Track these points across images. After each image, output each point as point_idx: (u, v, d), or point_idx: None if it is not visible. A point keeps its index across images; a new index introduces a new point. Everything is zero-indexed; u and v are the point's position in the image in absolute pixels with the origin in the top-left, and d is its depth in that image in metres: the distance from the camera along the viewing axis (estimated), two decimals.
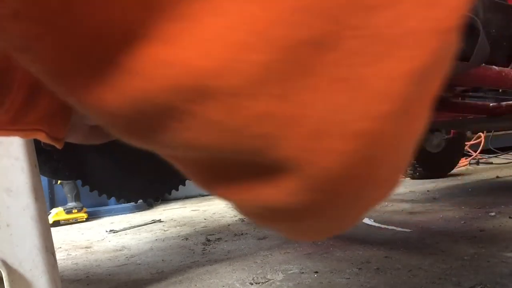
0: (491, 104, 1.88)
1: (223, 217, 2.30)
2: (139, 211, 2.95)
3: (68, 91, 0.16)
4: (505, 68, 1.16)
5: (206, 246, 1.59)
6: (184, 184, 1.47)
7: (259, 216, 0.19)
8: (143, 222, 2.35)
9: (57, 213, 2.62)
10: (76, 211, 2.67)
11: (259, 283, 1.07)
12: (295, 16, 0.13)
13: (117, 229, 2.20)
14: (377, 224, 1.66)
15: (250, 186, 0.17)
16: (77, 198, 2.70)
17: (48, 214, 2.36)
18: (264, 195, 0.17)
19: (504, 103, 1.86)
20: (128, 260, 1.50)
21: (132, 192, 1.36)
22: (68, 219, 2.64)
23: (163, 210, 2.95)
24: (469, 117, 1.99)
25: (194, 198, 3.55)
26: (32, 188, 0.87)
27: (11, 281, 0.83)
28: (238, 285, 1.09)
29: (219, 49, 0.13)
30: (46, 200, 1.73)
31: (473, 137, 3.91)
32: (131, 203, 2.31)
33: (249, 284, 1.08)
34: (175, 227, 2.13)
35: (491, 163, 3.91)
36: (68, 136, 0.55)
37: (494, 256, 1.10)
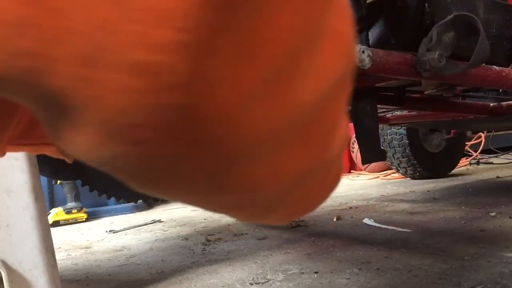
0: (491, 104, 1.88)
1: (223, 217, 2.30)
2: (139, 211, 2.95)
3: None
4: (505, 68, 1.16)
5: (206, 246, 1.59)
6: None
7: (102, 166, 0.16)
8: (143, 222, 2.35)
9: (57, 213, 2.62)
10: (76, 211, 2.67)
11: (259, 283, 1.07)
12: None
13: (117, 229, 2.20)
14: (377, 224, 1.66)
15: (65, 134, 0.14)
16: (77, 198, 2.70)
17: (48, 214, 2.36)
18: (78, 144, 0.14)
19: (504, 103, 1.86)
20: (128, 260, 1.50)
21: (132, 192, 1.36)
22: (68, 219, 2.64)
23: (163, 210, 2.95)
24: (469, 117, 1.99)
25: None
26: (32, 188, 0.87)
27: (11, 281, 0.83)
28: (238, 285, 1.09)
29: None
30: (46, 200, 1.73)
31: (473, 137, 3.91)
32: (131, 203, 2.31)
33: (249, 284, 1.08)
34: (175, 227, 2.13)
35: (491, 163, 3.91)
36: None
37: (494, 256, 1.10)
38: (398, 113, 2.22)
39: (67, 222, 2.64)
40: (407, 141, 2.88)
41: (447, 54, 0.95)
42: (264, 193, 0.19)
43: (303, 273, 1.13)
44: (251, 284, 1.08)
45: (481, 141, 3.92)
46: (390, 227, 1.58)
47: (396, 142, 2.91)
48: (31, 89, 0.13)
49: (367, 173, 4.08)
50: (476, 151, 3.90)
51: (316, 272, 1.12)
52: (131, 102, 0.12)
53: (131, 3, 0.12)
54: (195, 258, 1.41)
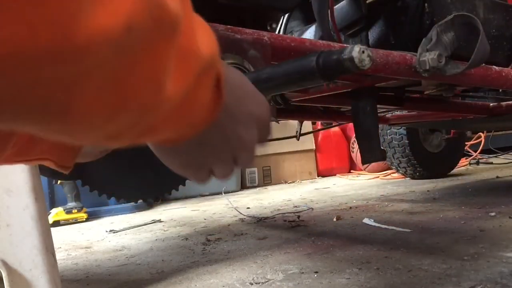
0: (491, 104, 1.88)
1: (223, 217, 2.30)
2: (139, 211, 2.95)
3: None
4: (505, 68, 1.16)
5: (206, 246, 1.59)
6: (184, 184, 1.47)
7: None
8: (143, 222, 2.35)
9: (57, 213, 2.62)
10: (76, 211, 2.67)
11: (259, 283, 1.08)
12: None
13: (117, 229, 2.20)
14: (377, 224, 1.66)
15: None
16: (77, 198, 2.70)
17: (48, 214, 2.36)
18: None
19: (504, 103, 1.87)
20: (128, 260, 1.50)
21: (132, 192, 1.36)
22: (68, 219, 2.64)
23: (163, 210, 2.95)
24: (469, 117, 1.99)
25: (194, 198, 3.55)
26: (32, 188, 0.87)
27: (11, 281, 0.83)
28: (238, 285, 1.09)
29: None
30: (46, 200, 1.73)
31: (473, 137, 3.91)
32: (131, 203, 2.31)
33: (249, 284, 1.08)
34: (175, 227, 2.13)
35: (491, 163, 3.91)
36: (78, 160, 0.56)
37: (494, 256, 1.10)
38: (398, 113, 2.23)
39: (67, 222, 2.64)
40: (407, 141, 2.88)
41: (447, 54, 0.95)
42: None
43: (303, 273, 1.13)
44: (251, 284, 1.08)
45: (481, 141, 3.92)
46: (390, 227, 1.58)
47: (396, 142, 2.91)
48: None
49: (367, 173, 4.08)
50: (476, 151, 3.90)
51: (316, 272, 1.12)
52: None
53: None
54: (195, 258, 1.41)
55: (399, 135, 2.90)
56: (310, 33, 1.29)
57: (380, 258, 1.19)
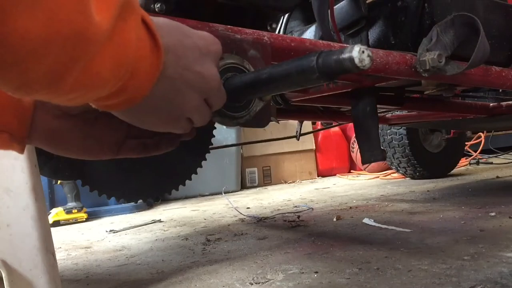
0: (491, 104, 1.88)
1: (223, 217, 2.30)
2: (139, 211, 2.95)
3: None
4: (505, 68, 1.16)
5: (206, 246, 1.59)
6: (184, 184, 1.47)
7: None
8: (143, 222, 2.35)
9: (57, 213, 2.62)
10: (76, 211, 2.67)
11: (259, 283, 1.08)
12: None
13: (117, 229, 2.20)
14: (377, 224, 1.66)
15: None
16: (77, 198, 2.70)
17: (48, 214, 2.36)
18: None
19: (504, 103, 1.87)
20: (128, 260, 1.50)
21: (132, 192, 1.36)
22: (68, 219, 2.64)
23: (163, 210, 2.95)
24: (469, 117, 1.99)
25: (194, 198, 3.55)
26: (32, 188, 0.87)
27: (11, 281, 0.83)
28: (238, 285, 1.09)
29: None
30: (46, 200, 1.73)
31: (473, 137, 3.91)
32: (131, 203, 2.31)
33: (249, 284, 1.08)
34: (175, 227, 2.13)
35: (491, 163, 3.91)
36: (60, 144, 0.54)
37: (494, 256, 1.10)
38: (398, 113, 2.23)
39: (67, 222, 2.64)
40: (407, 141, 2.88)
41: (447, 54, 0.95)
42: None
43: (303, 273, 1.13)
44: (251, 284, 1.08)
45: (481, 141, 3.92)
46: (390, 227, 1.58)
47: (396, 142, 2.91)
48: None
49: (367, 173, 4.08)
50: (476, 151, 3.90)
51: (316, 272, 1.12)
52: None
53: None
54: (195, 258, 1.41)
55: (399, 135, 2.90)
56: (310, 33, 1.29)
57: (380, 258, 1.19)
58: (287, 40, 0.77)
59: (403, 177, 3.34)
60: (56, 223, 2.60)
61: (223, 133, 3.72)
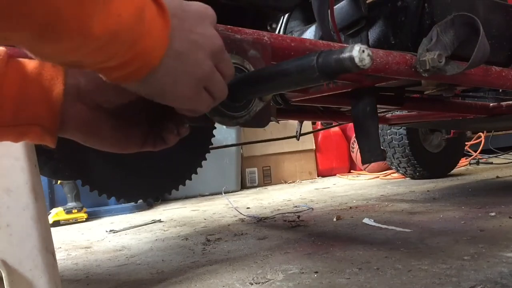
0: (491, 104, 1.88)
1: (223, 217, 2.30)
2: (139, 211, 2.95)
3: None
4: (505, 68, 1.16)
5: (206, 246, 1.59)
6: (184, 184, 1.47)
7: None
8: (143, 222, 2.35)
9: (57, 213, 2.62)
10: (76, 211, 2.67)
11: (259, 283, 1.08)
12: None
13: (117, 229, 2.20)
14: (377, 224, 1.66)
15: None
16: (77, 198, 2.70)
17: (48, 214, 2.36)
18: None
19: (504, 103, 1.87)
20: (128, 260, 1.50)
21: (132, 192, 1.36)
22: (68, 219, 2.64)
23: (163, 210, 2.95)
24: (469, 117, 1.99)
25: (194, 198, 3.55)
26: (32, 188, 0.87)
27: (11, 281, 0.83)
28: (238, 285, 1.09)
29: None
30: (46, 200, 1.73)
31: (473, 137, 3.91)
32: (131, 203, 2.31)
33: (249, 284, 1.08)
34: (175, 227, 2.13)
35: (491, 163, 3.91)
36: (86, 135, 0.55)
37: (494, 256, 1.10)
38: (398, 113, 2.22)
39: (67, 222, 2.64)
40: (407, 141, 2.88)
41: (447, 54, 0.95)
42: None
43: (303, 273, 1.13)
44: (251, 284, 1.08)
45: (481, 141, 3.92)
46: (390, 227, 1.58)
47: (396, 142, 2.91)
48: None
49: (367, 173, 4.08)
50: (476, 151, 3.90)
51: (316, 272, 1.12)
52: None
53: None
54: (195, 258, 1.41)
55: (399, 135, 2.90)
56: (310, 33, 1.29)
57: (380, 258, 1.19)
58: (287, 40, 0.77)
59: (403, 177, 3.34)
60: (56, 223, 2.60)
61: (223, 133, 3.72)
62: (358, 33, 1.16)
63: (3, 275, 0.83)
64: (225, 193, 3.39)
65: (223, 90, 0.54)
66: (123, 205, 2.90)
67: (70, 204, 2.68)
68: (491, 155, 4.04)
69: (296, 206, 2.43)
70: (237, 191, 3.85)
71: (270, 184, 4.22)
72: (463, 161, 3.80)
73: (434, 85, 1.41)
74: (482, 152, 3.94)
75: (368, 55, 0.42)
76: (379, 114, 1.61)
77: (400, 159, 2.98)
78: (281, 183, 4.25)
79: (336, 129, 4.54)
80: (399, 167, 3.08)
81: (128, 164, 1.31)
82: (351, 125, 3.67)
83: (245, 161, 4.13)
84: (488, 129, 3.51)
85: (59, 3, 0.33)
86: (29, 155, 0.87)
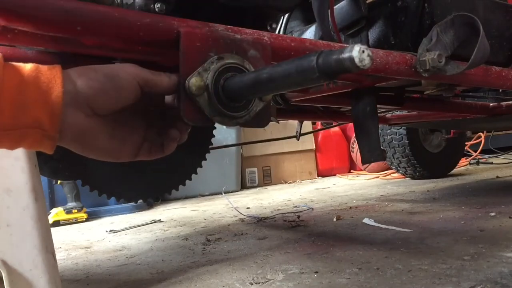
0: (491, 104, 1.88)
1: (223, 217, 2.30)
2: (139, 211, 2.95)
3: None
4: (505, 68, 1.16)
5: (206, 246, 1.59)
6: (184, 184, 1.47)
7: None
8: (143, 222, 2.35)
9: (57, 213, 2.62)
10: (76, 211, 2.67)
11: (259, 283, 1.08)
12: None
13: (117, 229, 2.20)
14: (377, 224, 1.66)
15: None
16: (77, 198, 2.70)
17: (48, 214, 2.36)
18: None
19: (504, 103, 1.86)
20: (128, 260, 1.50)
21: (132, 192, 1.36)
22: (68, 219, 2.64)
23: (163, 210, 2.95)
24: (469, 117, 1.99)
25: (194, 198, 3.55)
26: (32, 188, 0.87)
27: (11, 281, 0.83)
28: (238, 285, 1.09)
29: None
30: (46, 200, 1.73)
31: (473, 137, 3.91)
32: (131, 203, 2.31)
33: (249, 284, 1.08)
34: (175, 227, 2.13)
35: (491, 163, 3.91)
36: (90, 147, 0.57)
37: (494, 256, 1.10)
38: (398, 113, 2.22)
39: (67, 222, 2.64)
40: (407, 141, 2.88)
41: (447, 54, 0.95)
42: None
43: (303, 273, 1.13)
44: (251, 284, 1.08)
45: (481, 141, 3.92)
46: (390, 227, 1.58)
47: (396, 142, 2.91)
48: None
49: (367, 173, 4.08)
50: (476, 151, 3.90)
51: (316, 272, 1.12)
52: None
53: None
54: (195, 258, 1.41)
55: (399, 135, 2.90)
56: (310, 33, 1.29)
57: (380, 258, 1.19)
58: (287, 40, 0.77)
59: (403, 177, 3.34)
60: (56, 223, 2.60)
61: (223, 133, 3.72)
62: (358, 33, 1.16)
63: (3, 275, 0.83)
64: (225, 193, 3.39)
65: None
66: (123, 205, 2.90)
67: (70, 204, 2.68)
68: (491, 155, 4.04)
69: (296, 206, 2.43)
70: (237, 191, 3.85)
71: (270, 184, 4.22)
72: (463, 161, 3.80)
73: (434, 85, 1.41)
74: (482, 152, 3.94)
75: (368, 55, 0.42)
76: (379, 114, 1.61)
77: (400, 159, 2.98)
78: (281, 183, 4.25)
79: (336, 129, 4.54)
80: (399, 167, 3.08)
81: (128, 164, 1.31)
82: (351, 125, 3.67)
83: (245, 161, 4.13)
84: (488, 129, 3.51)
85: None
86: (29, 155, 0.87)
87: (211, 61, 0.61)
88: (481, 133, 3.91)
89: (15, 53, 0.89)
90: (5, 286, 0.83)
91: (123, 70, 0.56)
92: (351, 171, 4.55)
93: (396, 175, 3.47)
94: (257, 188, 4.01)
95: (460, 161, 3.50)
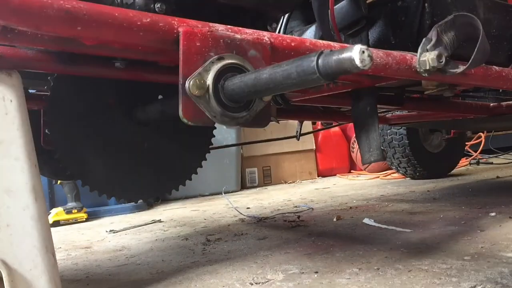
0: (491, 104, 1.88)
1: (223, 217, 2.30)
2: (139, 211, 2.95)
3: None
4: (505, 68, 1.16)
5: (206, 246, 1.59)
6: (184, 184, 1.47)
7: None
8: (143, 222, 2.35)
9: (57, 213, 2.62)
10: (76, 211, 2.67)
11: (259, 283, 1.08)
12: None
13: (117, 229, 2.20)
14: (377, 224, 1.66)
15: None
16: (77, 198, 2.70)
17: (48, 214, 2.36)
18: None
19: (504, 103, 1.87)
20: (128, 260, 1.50)
21: (132, 192, 1.36)
22: (68, 219, 2.64)
23: (163, 210, 2.95)
24: (469, 117, 1.99)
25: (194, 198, 3.55)
26: (32, 188, 0.87)
27: (11, 281, 0.83)
28: (238, 285, 1.09)
29: None
30: (46, 200, 1.73)
31: (473, 137, 3.91)
32: (131, 203, 2.31)
33: (249, 284, 1.08)
34: (175, 227, 2.13)
35: (491, 163, 3.91)
36: None
37: (494, 256, 1.10)
38: (398, 113, 2.22)
39: (67, 222, 2.64)
40: (407, 141, 2.88)
41: (447, 54, 0.95)
42: None
43: (303, 273, 1.13)
44: (251, 284, 1.08)
45: (481, 141, 3.92)
46: (390, 227, 1.58)
47: (396, 142, 2.91)
48: None
49: (367, 173, 4.08)
50: (476, 151, 3.90)
51: (316, 272, 1.12)
52: None
53: None
54: (195, 258, 1.41)
55: (399, 135, 2.90)
56: (310, 33, 1.29)
57: (380, 258, 1.19)
58: (287, 40, 0.77)
59: (403, 177, 3.34)
60: (56, 223, 2.60)
61: (223, 133, 3.72)
62: (358, 33, 1.16)
63: (3, 275, 0.83)
64: (225, 193, 3.39)
65: None
66: (123, 205, 2.90)
67: (70, 204, 2.67)
68: (491, 155, 4.04)
69: (296, 206, 2.43)
70: (237, 191, 3.85)
71: (270, 184, 4.22)
72: (463, 161, 3.80)
73: (434, 85, 1.41)
74: (482, 152, 3.94)
75: (368, 55, 0.42)
76: (379, 114, 1.61)
77: (400, 159, 2.98)
78: (281, 183, 4.25)
79: (336, 129, 4.54)
80: (399, 167, 3.08)
81: (128, 164, 1.31)
82: (351, 125, 3.67)
83: (245, 161, 4.13)
84: (488, 129, 3.51)
85: None
86: (29, 155, 0.87)
87: (211, 61, 0.61)
88: (481, 133, 3.91)
89: (15, 53, 0.89)
90: (5, 286, 0.83)
91: None
92: (351, 171, 4.55)
93: (396, 175, 3.47)
94: (257, 188, 4.01)
95: (460, 161, 3.50)
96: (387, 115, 2.24)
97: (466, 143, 3.73)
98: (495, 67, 1.13)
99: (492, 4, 1.20)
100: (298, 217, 2.02)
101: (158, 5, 0.78)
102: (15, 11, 0.53)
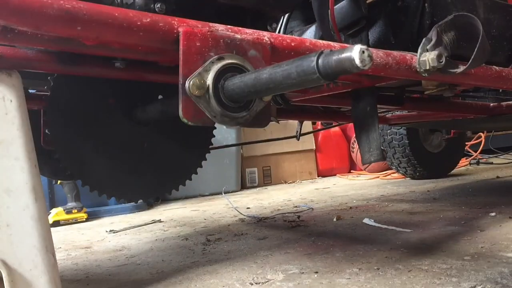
0: (491, 104, 1.88)
1: (223, 217, 2.30)
2: (139, 211, 2.95)
3: None
4: (505, 68, 1.16)
5: (206, 246, 1.59)
6: (184, 184, 1.47)
7: None
8: (143, 222, 2.35)
9: (57, 213, 2.62)
10: (76, 211, 2.67)
11: (259, 283, 1.08)
12: None
13: (117, 229, 2.20)
14: (377, 224, 1.66)
15: None
16: (77, 198, 2.70)
17: (48, 214, 2.36)
18: None
19: (504, 103, 1.87)
20: (128, 260, 1.50)
21: (132, 192, 1.36)
22: (68, 219, 2.64)
23: (163, 210, 2.95)
24: (469, 117, 1.99)
25: (194, 198, 3.55)
26: (32, 188, 0.87)
27: (11, 281, 0.83)
28: (238, 285, 1.09)
29: None
30: (46, 200, 1.73)
31: (473, 137, 3.91)
32: (131, 203, 2.31)
33: (249, 284, 1.08)
34: (175, 227, 2.13)
35: (491, 163, 3.91)
36: None
37: (494, 256, 1.10)
38: (398, 113, 2.22)
39: (67, 222, 2.64)
40: (407, 141, 2.88)
41: (447, 54, 0.95)
42: None
43: (303, 273, 1.13)
44: (251, 284, 1.08)
45: (481, 141, 3.92)
46: (390, 227, 1.58)
47: (396, 142, 2.91)
48: None
49: (367, 173, 4.08)
50: (476, 151, 3.90)
51: (316, 272, 1.12)
52: None
53: None
54: (195, 258, 1.41)
55: (399, 135, 2.90)
56: (310, 33, 1.29)
57: (380, 258, 1.19)
58: (287, 40, 0.77)
59: (403, 177, 3.34)
60: (56, 223, 2.60)
61: (223, 133, 3.72)
62: (358, 33, 1.16)
63: (3, 275, 0.83)
64: (225, 193, 3.39)
65: None
66: (123, 205, 2.90)
67: (70, 204, 2.67)
68: (491, 155, 4.04)
69: (296, 206, 2.43)
70: (237, 191, 3.85)
71: (270, 184, 4.22)
72: (463, 161, 3.80)
73: (434, 85, 1.41)
74: (482, 152, 3.94)
75: (368, 55, 0.42)
76: (379, 114, 1.61)
77: (400, 159, 2.98)
78: (281, 183, 4.25)
79: (336, 129, 4.54)
80: (399, 167, 3.08)
81: (128, 164, 1.31)
82: (351, 125, 3.67)
83: (245, 161, 4.13)
84: (488, 129, 3.51)
85: None
86: (29, 155, 0.87)
87: (211, 61, 0.61)
88: (481, 133, 3.91)
89: (15, 53, 0.89)
90: (5, 286, 0.83)
91: None
92: (351, 171, 4.55)
93: (396, 175, 3.47)
94: (257, 188, 4.01)
95: (460, 161, 3.50)
96: (387, 115, 2.24)
97: (466, 143, 3.73)
98: (495, 67, 1.13)
99: (492, 4, 1.20)
100: (298, 217, 2.02)
101: (158, 5, 0.78)
102: (15, 11, 0.53)
